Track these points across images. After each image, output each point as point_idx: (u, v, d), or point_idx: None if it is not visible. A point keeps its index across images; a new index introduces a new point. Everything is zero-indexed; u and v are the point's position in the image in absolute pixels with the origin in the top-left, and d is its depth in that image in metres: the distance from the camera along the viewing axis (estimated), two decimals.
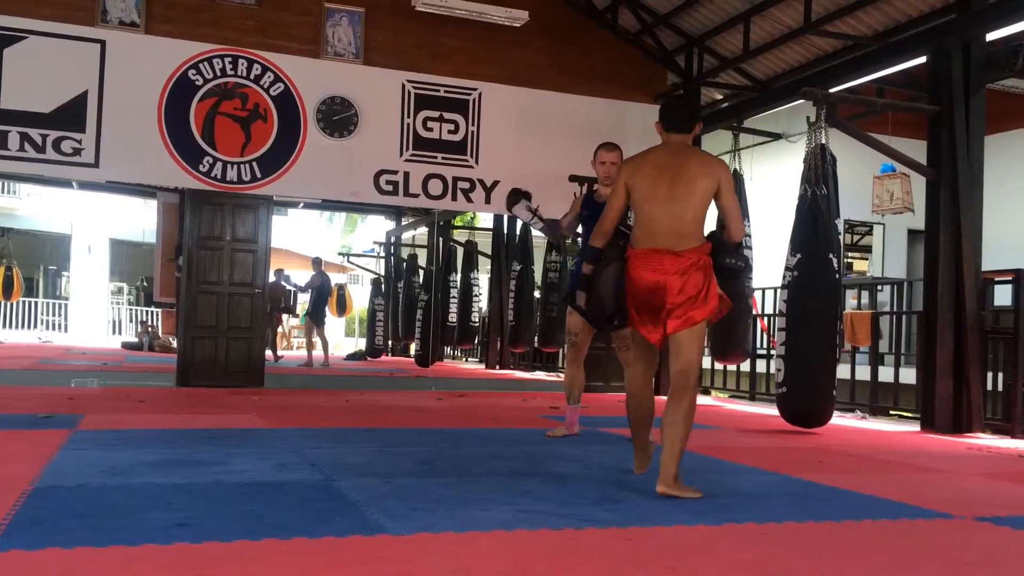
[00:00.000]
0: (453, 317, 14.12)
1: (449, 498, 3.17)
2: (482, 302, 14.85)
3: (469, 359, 16.73)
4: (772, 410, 7.05)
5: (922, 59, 6.92)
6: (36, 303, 22.33)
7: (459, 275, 14.15)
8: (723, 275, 3.59)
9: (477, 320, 14.57)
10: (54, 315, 22.45)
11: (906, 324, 8.60)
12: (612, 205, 3.70)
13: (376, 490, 3.28)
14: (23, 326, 21.40)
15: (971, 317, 6.29)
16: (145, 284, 21.97)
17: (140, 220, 21.56)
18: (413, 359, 13.99)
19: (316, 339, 13.04)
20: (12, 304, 20.47)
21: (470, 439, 5.00)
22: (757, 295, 9.19)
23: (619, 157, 5.02)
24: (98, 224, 22.50)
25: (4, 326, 20.80)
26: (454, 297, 14.09)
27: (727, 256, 3.57)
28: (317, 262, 13.25)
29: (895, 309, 8.87)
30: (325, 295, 12.94)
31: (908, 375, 7.82)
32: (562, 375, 11.12)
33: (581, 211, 5.21)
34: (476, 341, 15.42)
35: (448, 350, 16.67)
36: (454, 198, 8.80)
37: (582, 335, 5.15)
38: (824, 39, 8.16)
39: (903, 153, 6.76)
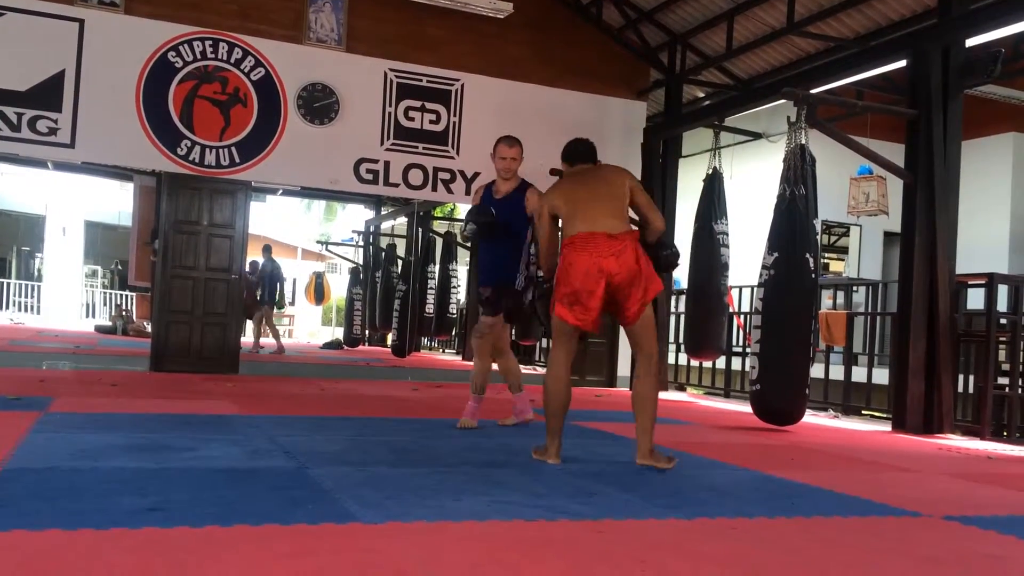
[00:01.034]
0: (431, 308, 14.07)
1: (422, 488, 3.17)
2: (460, 294, 14.82)
3: (446, 350, 16.72)
4: (746, 407, 7.10)
5: (902, 63, 6.98)
6: (8, 284, 22.04)
7: (438, 266, 14.11)
8: (661, 267, 3.98)
9: (455, 312, 14.54)
10: (27, 297, 22.17)
11: (880, 325, 8.69)
12: (541, 234, 4.07)
13: (349, 478, 3.28)
14: None
15: (944, 320, 6.36)
16: (120, 267, 21.76)
17: (116, 202, 21.37)
18: (390, 349, 13.95)
19: (277, 325, 13.00)
20: None
21: (445, 430, 5.00)
22: (734, 293, 9.24)
23: (519, 153, 5.02)
24: (73, 205, 22.24)
25: None
26: (432, 288, 14.05)
27: (663, 248, 4.03)
28: (267, 249, 13.21)
29: (870, 310, 8.95)
30: (275, 282, 12.88)
31: (881, 376, 7.90)
32: (538, 368, 11.15)
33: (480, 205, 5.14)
34: (453, 333, 15.40)
35: (425, 341, 16.64)
36: (434, 189, 8.78)
37: (485, 323, 5.06)
38: (806, 40, 8.22)
39: (881, 156, 6.82)
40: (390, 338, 13.82)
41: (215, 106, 8.02)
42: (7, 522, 2.34)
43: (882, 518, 3.16)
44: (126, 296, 20.58)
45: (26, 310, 21.54)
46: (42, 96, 7.52)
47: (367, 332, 16.98)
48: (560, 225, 4.04)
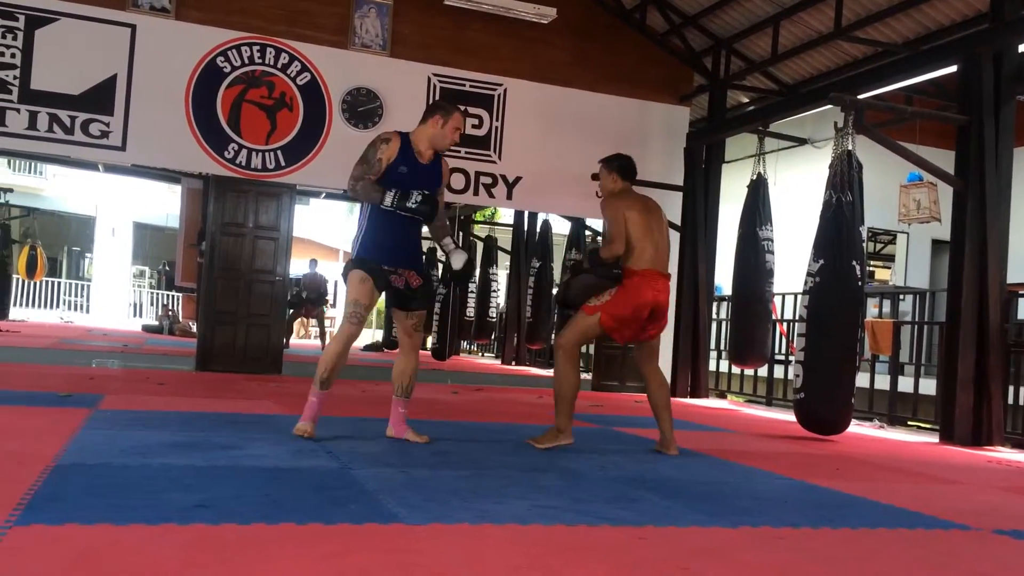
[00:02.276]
0: (471, 312, 14.12)
1: (464, 490, 3.18)
2: (500, 298, 14.85)
3: (485, 354, 16.75)
4: (788, 416, 7.02)
5: (952, 68, 6.86)
6: (59, 283, 22.54)
7: (478, 270, 14.16)
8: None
9: (495, 316, 14.58)
10: (76, 296, 22.66)
11: (927, 334, 8.55)
12: (617, 232, 4.52)
13: (392, 480, 3.30)
14: (46, 306, 21.62)
15: (994, 330, 6.23)
16: (167, 268, 22.13)
17: (164, 204, 21.76)
18: (430, 352, 14.03)
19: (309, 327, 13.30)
20: (35, 284, 20.70)
21: (485, 433, 5.02)
22: (777, 300, 9.14)
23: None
24: (122, 207, 22.70)
25: (27, 305, 21.03)
26: (472, 292, 14.10)
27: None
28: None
29: (917, 319, 8.80)
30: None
31: (928, 386, 7.76)
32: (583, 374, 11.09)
33: (396, 163, 4.54)
34: (493, 337, 15.43)
35: (465, 344, 16.70)
36: (476, 193, 8.82)
37: (367, 309, 4.46)
38: (854, 45, 8.11)
39: (930, 162, 6.71)
40: (430, 341, 13.89)
41: (262, 110, 8.14)
42: (61, 515, 2.39)
43: (929, 531, 3.10)
44: (173, 296, 20.94)
45: (76, 309, 22.02)
46: (95, 100, 7.68)
47: None
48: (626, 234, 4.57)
